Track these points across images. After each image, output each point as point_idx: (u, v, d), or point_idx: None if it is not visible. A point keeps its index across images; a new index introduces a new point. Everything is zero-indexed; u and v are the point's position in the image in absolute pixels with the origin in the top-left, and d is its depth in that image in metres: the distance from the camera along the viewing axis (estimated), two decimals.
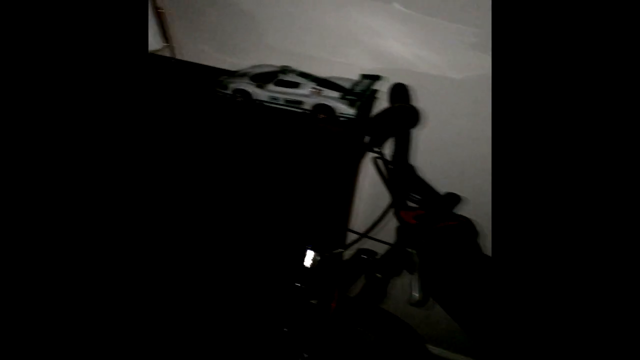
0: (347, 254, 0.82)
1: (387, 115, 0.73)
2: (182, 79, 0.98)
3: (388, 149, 0.74)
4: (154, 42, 1.00)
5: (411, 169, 0.75)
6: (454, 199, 0.70)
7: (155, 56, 1.02)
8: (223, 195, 1.00)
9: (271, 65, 0.94)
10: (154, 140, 0.92)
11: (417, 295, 0.67)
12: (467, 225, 0.67)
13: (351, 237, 0.83)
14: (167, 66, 1.02)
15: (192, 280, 1.18)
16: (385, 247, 0.76)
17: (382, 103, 0.82)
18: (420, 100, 0.91)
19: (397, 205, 0.73)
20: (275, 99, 0.87)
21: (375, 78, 0.91)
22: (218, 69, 1.01)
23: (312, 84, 0.85)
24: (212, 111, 0.90)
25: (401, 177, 0.74)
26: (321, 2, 0.90)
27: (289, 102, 0.86)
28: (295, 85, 0.85)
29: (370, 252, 0.79)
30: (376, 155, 0.73)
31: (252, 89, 0.87)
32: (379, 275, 0.75)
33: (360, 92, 0.86)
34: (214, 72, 0.99)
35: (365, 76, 0.92)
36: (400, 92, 0.79)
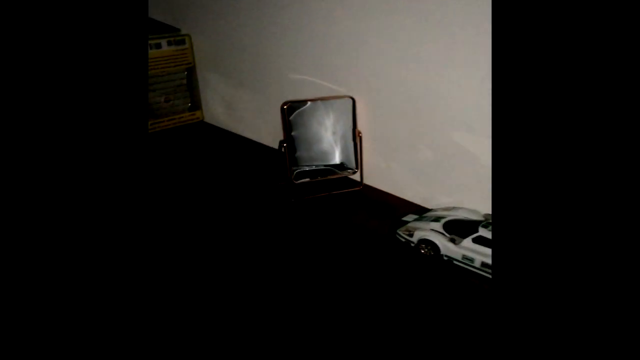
0: None
1: None
2: (366, 209, 0.88)
3: None
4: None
5: None
6: None
7: (345, 178, 0.96)
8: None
9: (472, 211, 0.76)
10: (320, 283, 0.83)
11: None
12: None
13: None
14: (356, 195, 0.94)
15: None
16: None
17: None
18: None
19: None
20: (469, 259, 0.68)
21: None
22: (407, 201, 0.89)
23: None
24: (390, 258, 0.75)
25: None
26: None
27: (487, 267, 0.66)
28: None
29: None
30: None
31: (442, 241, 0.71)
32: None
33: None
34: (400, 207, 0.86)
35: None
36: None
